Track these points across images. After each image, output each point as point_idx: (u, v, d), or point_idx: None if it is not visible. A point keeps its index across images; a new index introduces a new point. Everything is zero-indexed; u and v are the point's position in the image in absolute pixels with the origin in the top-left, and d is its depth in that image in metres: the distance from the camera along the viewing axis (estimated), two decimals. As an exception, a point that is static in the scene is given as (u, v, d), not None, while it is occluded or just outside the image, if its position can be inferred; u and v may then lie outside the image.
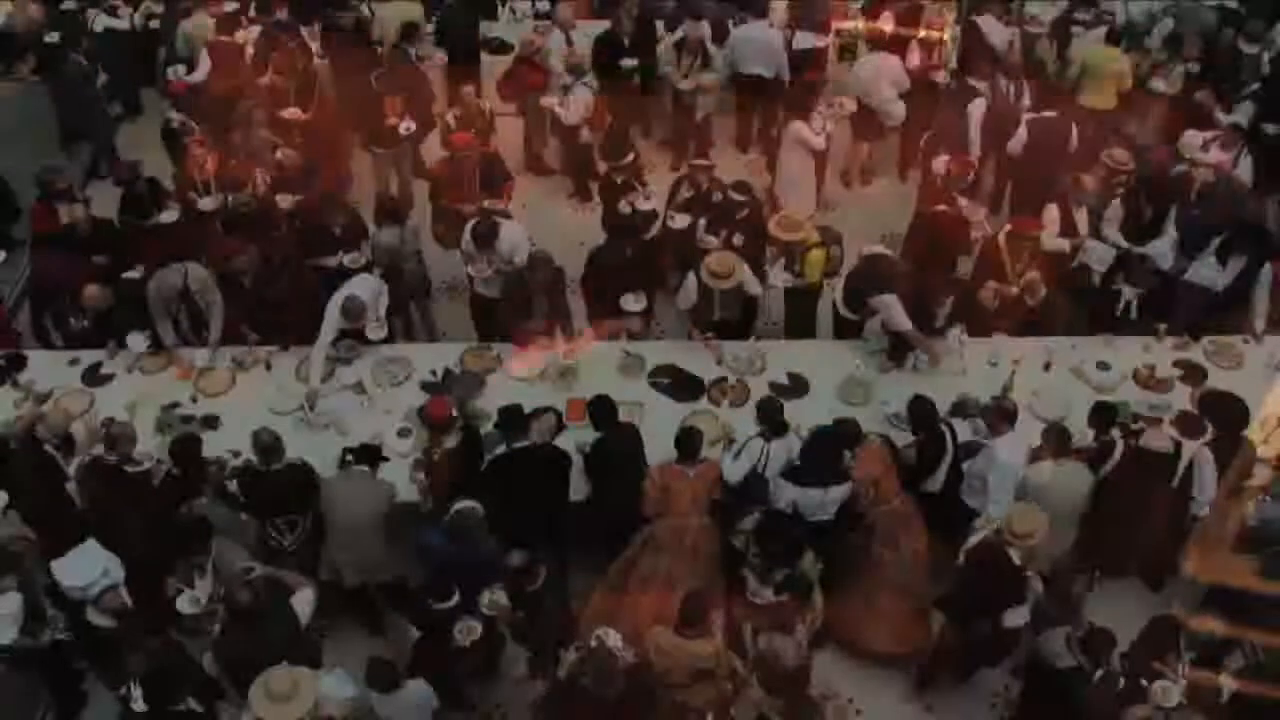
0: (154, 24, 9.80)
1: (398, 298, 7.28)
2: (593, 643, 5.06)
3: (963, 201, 7.67)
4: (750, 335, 7.29)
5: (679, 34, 8.98)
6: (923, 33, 8.75)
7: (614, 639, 5.11)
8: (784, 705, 5.03)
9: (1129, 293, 7.04)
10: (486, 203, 7.69)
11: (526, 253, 7.04)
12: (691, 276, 6.90)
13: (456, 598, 5.26)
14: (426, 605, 5.29)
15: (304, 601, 5.34)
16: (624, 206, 7.68)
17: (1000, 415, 5.94)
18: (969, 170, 7.77)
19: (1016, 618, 5.47)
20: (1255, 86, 8.64)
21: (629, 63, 8.84)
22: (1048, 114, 8.19)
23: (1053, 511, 5.61)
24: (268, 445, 5.78)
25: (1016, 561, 5.41)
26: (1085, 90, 8.86)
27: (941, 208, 7.63)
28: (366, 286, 6.83)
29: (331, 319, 6.67)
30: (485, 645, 5.38)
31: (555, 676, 5.16)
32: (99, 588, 5.21)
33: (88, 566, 5.27)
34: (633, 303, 7.05)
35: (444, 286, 8.49)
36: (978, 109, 8.28)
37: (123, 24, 9.70)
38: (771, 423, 5.95)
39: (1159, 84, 8.87)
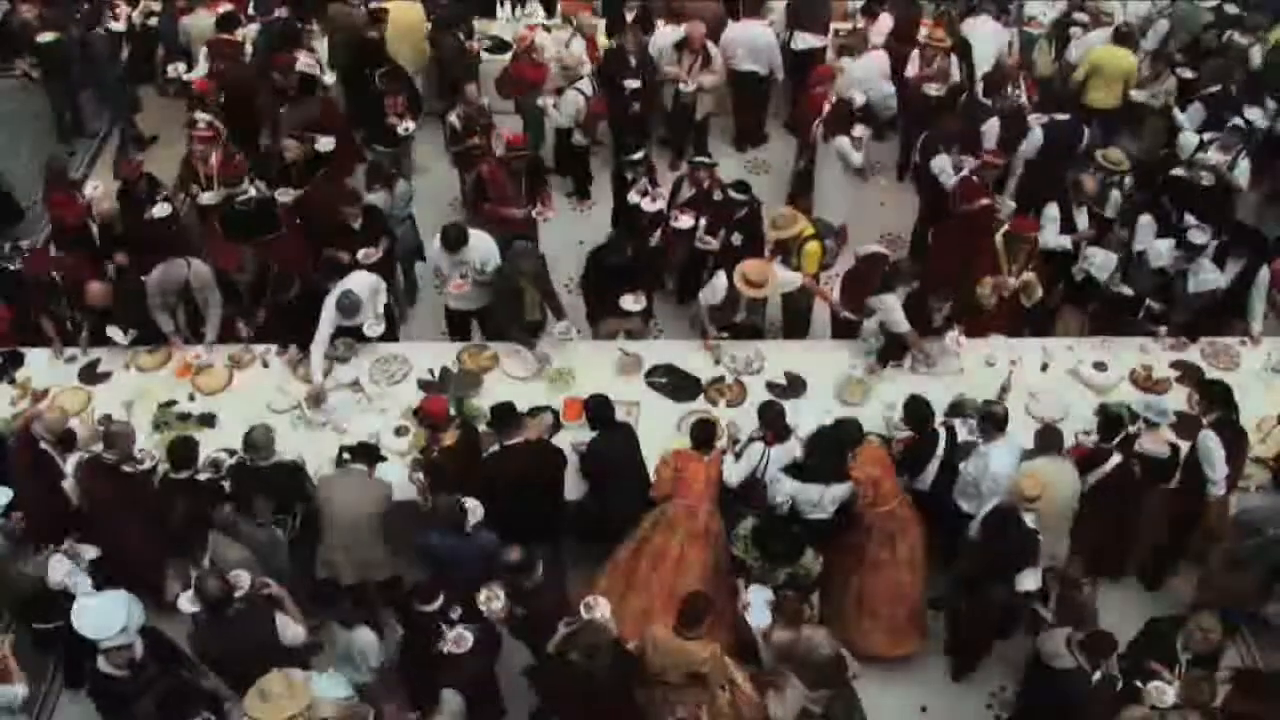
0: (152, 21, 9.78)
1: (389, 261, 7.26)
2: (582, 610, 5.08)
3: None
4: (762, 334, 7.34)
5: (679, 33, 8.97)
6: (922, 38, 8.69)
7: (603, 608, 5.14)
8: (825, 698, 5.02)
9: (1156, 308, 7.07)
10: (535, 210, 7.63)
11: (496, 262, 7.01)
12: (721, 276, 6.89)
13: (441, 600, 5.24)
14: (411, 606, 5.29)
15: (290, 628, 5.31)
16: (633, 196, 7.63)
17: (991, 422, 5.91)
18: (1000, 162, 7.74)
19: (1029, 581, 5.49)
20: (1215, 89, 8.55)
21: (632, 84, 8.64)
22: (1060, 116, 8.16)
23: (1043, 509, 5.62)
24: (256, 442, 5.78)
25: (1030, 524, 5.45)
26: (1091, 90, 8.84)
27: (984, 202, 7.60)
28: (364, 283, 6.83)
29: (328, 315, 6.67)
30: (482, 652, 5.38)
31: (545, 652, 5.18)
32: (112, 644, 5.05)
33: (108, 619, 5.05)
34: (632, 303, 7.05)
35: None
36: (992, 129, 8.21)
37: (119, 25, 9.65)
38: (775, 427, 5.95)
39: (1140, 94, 8.81)
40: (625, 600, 5.76)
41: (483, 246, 7.05)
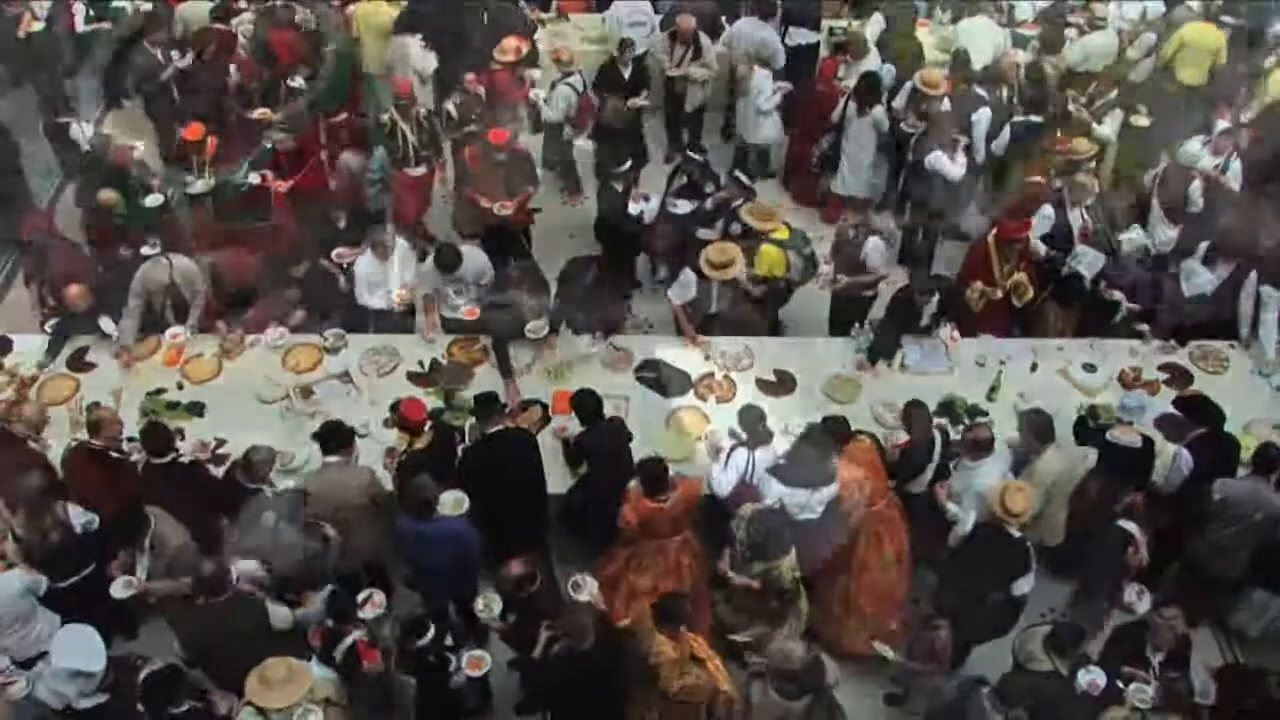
0: (146, 6, 9.71)
1: (357, 221, 7.34)
2: (570, 591, 5.07)
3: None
4: (777, 330, 7.38)
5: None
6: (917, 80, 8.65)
7: (590, 587, 5.18)
8: (804, 709, 4.99)
9: (1134, 308, 7.10)
10: (498, 206, 7.62)
11: (490, 273, 7.02)
12: (688, 272, 6.88)
13: (431, 633, 5.16)
14: (409, 649, 5.19)
15: (279, 613, 5.28)
16: (634, 206, 7.60)
17: (975, 446, 5.86)
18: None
19: (1025, 585, 5.52)
20: (1115, 94, 8.63)
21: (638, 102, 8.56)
22: (1034, 118, 8.18)
23: (1059, 493, 5.82)
24: (251, 463, 5.67)
25: (1015, 534, 5.45)
26: (1181, 66, 8.90)
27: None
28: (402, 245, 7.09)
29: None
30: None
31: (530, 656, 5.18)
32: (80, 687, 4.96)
33: (91, 656, 4.94)
34: (589, 344, 7.01)
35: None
36: (983, 118, 8.23)
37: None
38: (754, 433, 5.91)
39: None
40: None
41: (475, 261, 7.03)
